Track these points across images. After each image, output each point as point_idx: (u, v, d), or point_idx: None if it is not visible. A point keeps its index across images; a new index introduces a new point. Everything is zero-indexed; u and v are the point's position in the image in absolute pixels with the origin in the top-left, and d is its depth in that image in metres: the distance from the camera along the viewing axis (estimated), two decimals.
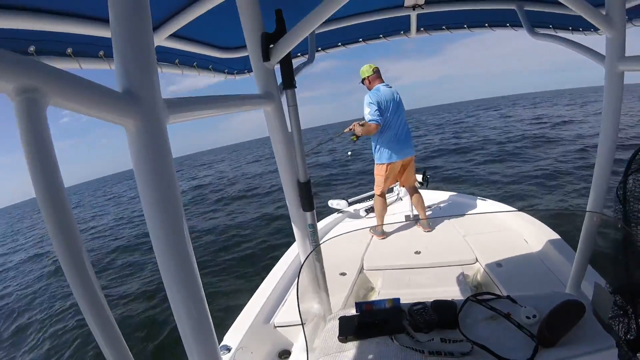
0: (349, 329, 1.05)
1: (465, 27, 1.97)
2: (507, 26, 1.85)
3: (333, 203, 3.78)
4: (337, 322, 1.12)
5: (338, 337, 1.06)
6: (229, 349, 1.69)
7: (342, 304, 2.13)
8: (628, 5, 1.12)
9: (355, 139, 3.15)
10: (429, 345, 0.95)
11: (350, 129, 3.09)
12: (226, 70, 2.06)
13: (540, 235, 2.52)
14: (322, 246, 2.89)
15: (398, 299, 1.10)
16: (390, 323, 1.03)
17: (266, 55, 0.98)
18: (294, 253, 2.76)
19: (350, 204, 3.81)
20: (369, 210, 3.79)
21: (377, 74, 3.02)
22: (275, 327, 2.03)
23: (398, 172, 3.12)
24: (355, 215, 3.75)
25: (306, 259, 1.17)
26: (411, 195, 3.26)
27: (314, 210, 1.08)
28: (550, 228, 2.58)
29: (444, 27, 1.99)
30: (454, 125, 25.08)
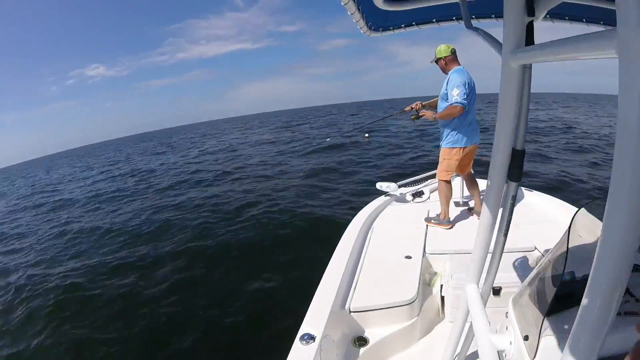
0: (544, 303, 0.94)
1: (413, 25, 1.73)
2: (453, 19, 1.65)
3: (382, 185, 3.68)
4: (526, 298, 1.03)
5: (539, 310, 0.95)
6: (313, 338, 1.64)
7: (416, 288, 2.10)
8: None
9: (415, 118, 3.12)
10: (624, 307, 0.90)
11: (413, 108, 3.02)
12: None
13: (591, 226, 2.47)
14: (383, 229, 2.83)
15: (573, 272, 0.99)
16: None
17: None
18: (355, 233, 2.76)
19: (399, 187, 3.72)
20: (416, 194, 3.76)
21: (454, 55, 2.88)
22: (351, 312, 1.99)
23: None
24: (402, 199, 3.70)
25: (506, 232, 1.05)
26: (468, 183, 3.24)
27: (519, 183, 0.96)
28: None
29: (402, 25, 1.73)
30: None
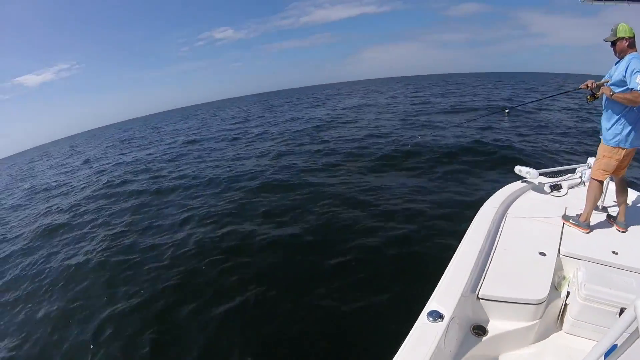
0: None
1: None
2: None
3: (522, 170, 3.51)
4: None
5: None
6: (441, 317, 1.64)
7: (548, 289, 2.02)
8: None
9: (591, 99, 2.85)
10: None
11: (589, 87, 2.78)
12: None
13: None
14: (518, 217, 2.88)
15: None
16: None
17: None
18: (489, 217, 2.73)
19: (539, 175, 3.52)
20: (554, 187, 3.55)
21: (634, 39, 2.53)
22: (479, 298, 1.95)
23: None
24: (539, 189, 3.52)
25: None
26: (618, 188, 2.94)
27: None
28: None
29: None
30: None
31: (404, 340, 1.54)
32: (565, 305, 2.10)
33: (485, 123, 11.54)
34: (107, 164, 16.59)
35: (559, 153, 8.87)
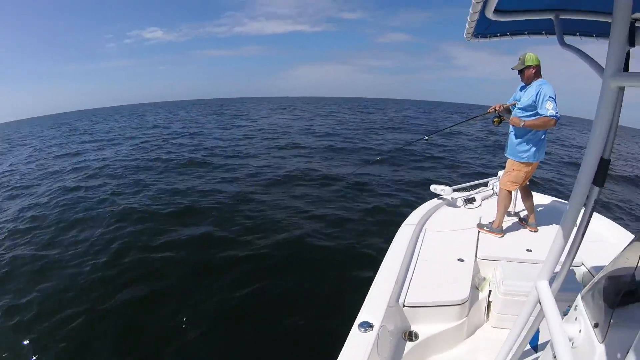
0: (611, 298, 1.08)
1: (507, 35, 1.96)
2: (543, 33, 1.81)
3: (437, 188, 3.73)
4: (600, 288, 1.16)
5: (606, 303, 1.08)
6: (371, 326, 1.71)
7: (468, 290, 2.18)
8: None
9: (497, 122, 3.14)
10: None
11: (497, 110, 3.08)
12: None
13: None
14: (435, 230, 2.94)
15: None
16: None
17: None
18: (408, 232, 2.84)
19: (453, 191, 3.77)
20: (468, 200, 3.80)
21: (540, 67, 2.82)
22: (405, 306, 2.06)
23: None
24: (454, 204, 3.76)
25: (581, 239, 1.18)
26: (524, 196, 3.26)
27: (602, 188, 1.11)
28: None
29: (498, 34, 1.94)
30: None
31: (339, 352, 1.60)
32: (489, 302, 2.32)
33: (407, 148, 12.11)
34: None
35: (472, 169, 9.85)
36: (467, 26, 1.54)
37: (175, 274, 4.24)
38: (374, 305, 1.88)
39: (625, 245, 1.17)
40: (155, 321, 3.42)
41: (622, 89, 1.00)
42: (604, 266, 2.26)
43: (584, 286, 2.17)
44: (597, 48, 1.59)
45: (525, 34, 1.89)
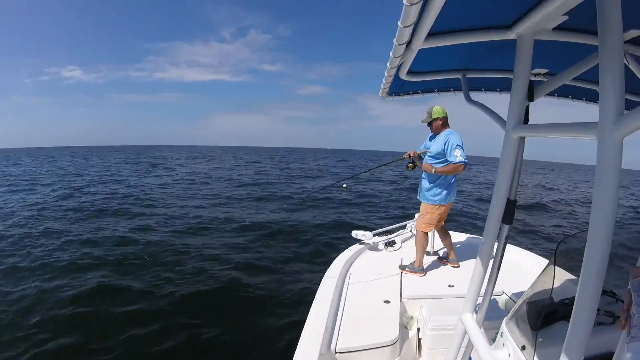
0: (533, 321, 1.15)
1: (419, 92, 2.18)
2: (451, 90, 2.06)
3: (358, 234, 3.80)
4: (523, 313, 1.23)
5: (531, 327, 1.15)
6: None
7: (398, 330, 2.20)
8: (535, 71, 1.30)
9: (411, 167, 3.32)
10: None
11: (411, 156, 3.28)
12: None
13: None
14: (360, 274, 2.96)
15: (552, 297, 1.22)
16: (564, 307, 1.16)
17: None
18: (334, 278, 2.83)
19: (374, 235, 3.86)
20: (388, 244, 3.90)
21: (447, 118, 3.11)
22: (337, 352, 2.01)
23: None
24: (375, 248, 3.82)
25: (498, 269, 1.28)
26: (442, 235, 3.44)
27: (511, 225, 1.20)
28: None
29: (410, 92, 2.16)
30: None
31: None
32: (419, 339, 2.36)
33: (328, 196, 12.42)
34: None
35: (389, 212, 10.41)
36: (382, 86, 1.63)
37: (89, 327, 3.72)
38: (306, 355, 1.83)
39: (541, 271, 1.27)
40: None
41: (522, 138, 1.11)
42: (523, 292, 2.47)
43: (508, 313, 2.32)
44: (502, 99, 1.80)
45: (435, 92, 2.08)
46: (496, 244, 1.24)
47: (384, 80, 1.47)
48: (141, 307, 4.09)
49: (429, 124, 3.15)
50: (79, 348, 3.34)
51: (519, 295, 2.38)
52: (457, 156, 2.88)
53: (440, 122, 3.09)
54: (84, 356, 3.22)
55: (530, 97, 1.09)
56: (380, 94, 1.88)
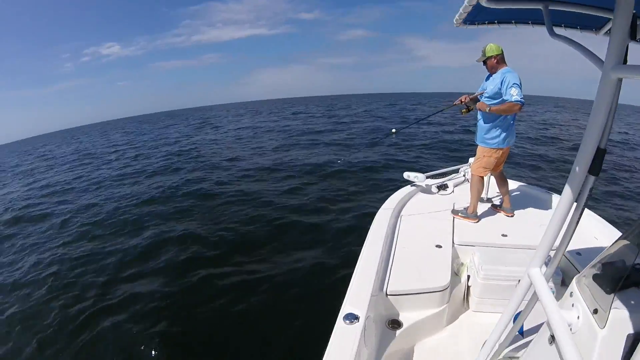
0: (609, 282, 1.05)
1: (495, 23, 1.94)
2: (529, 23, 1.83)
3: (410, 175, 3.73)
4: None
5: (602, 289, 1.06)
6: (357, 318, 1.69)
7: (449, 276, 2.19)
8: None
9: (465, 112, 3.16)
10: None
11: (463, 102, 3.12)
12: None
13: (608, 233, 2.66)
14: (411, 217, 2.92)
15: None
16: None
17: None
18: (385, 220, 2.83)
19: (426, 178, 3.78)
20: (441, 187, 3.83)
21: (503, 55, 2.89)
22: (388, 295, 2.06)
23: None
24: (427, 191, 3.76)
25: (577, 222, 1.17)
26: (499, 181, 3.30)
27: (597, 177, 1.11)
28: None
29: (486, 21, 1.92)
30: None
31: (322, 342, 1.58)
32: (468, 287, 2.34)
33: (377, 143, 12.37)
34: None
35: (442, 154, 10.16)
36: (460, 11, 1.52)
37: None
38: (358, 296, 1.86)
39: (614, 240, 1.15)
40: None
41: (620, 80, 1.00)
42: (581, 255, 2.30)
43: (563, 273, 2.23)
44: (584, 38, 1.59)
45: (512, 23, 1.88)
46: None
47: (464, 4, 1.36)
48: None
49: (484, 63, 2.95)
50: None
51: (577, 257, 2.31)
52: (514, 95, 2.67)
53: (495, 60, 2.87)
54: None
55: (633, 35, 0.98)
56: (454, 21, 1.75)
